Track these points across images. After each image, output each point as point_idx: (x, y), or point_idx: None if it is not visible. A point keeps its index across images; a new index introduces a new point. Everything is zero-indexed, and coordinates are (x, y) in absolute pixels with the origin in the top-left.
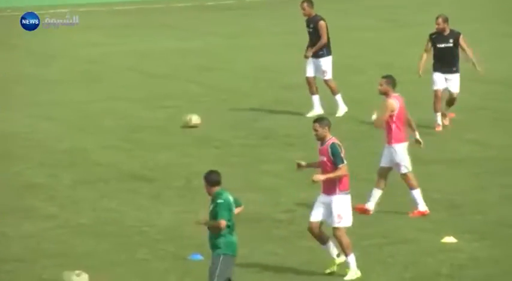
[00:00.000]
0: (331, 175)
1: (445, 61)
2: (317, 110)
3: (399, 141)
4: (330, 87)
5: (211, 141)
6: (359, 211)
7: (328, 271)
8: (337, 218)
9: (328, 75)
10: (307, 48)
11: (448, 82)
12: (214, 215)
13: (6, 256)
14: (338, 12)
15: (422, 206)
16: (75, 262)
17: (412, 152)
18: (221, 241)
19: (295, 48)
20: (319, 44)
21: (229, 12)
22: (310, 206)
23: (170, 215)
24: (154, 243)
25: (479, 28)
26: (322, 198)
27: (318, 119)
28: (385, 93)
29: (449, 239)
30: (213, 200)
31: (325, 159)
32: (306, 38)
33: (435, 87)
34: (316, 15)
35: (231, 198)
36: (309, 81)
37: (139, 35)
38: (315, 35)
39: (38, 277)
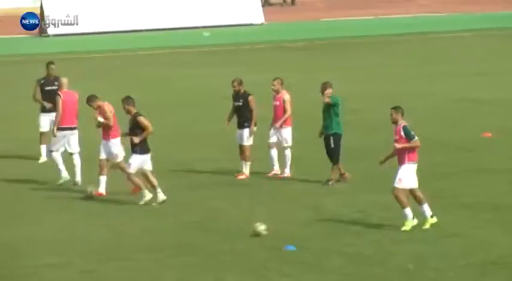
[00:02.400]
0: (407, 145)
1: None
2: None
3: (115, 136)
4: None
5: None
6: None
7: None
8: (397, 180)
9: None
10: None
11: None
12: None
13: (135, 247)
14: None
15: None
16: (189, 251)
17: None
18: None
19: (354, 80)
20: None
21: (301, 52)
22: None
23: (265, 213)
24: (253, 237)
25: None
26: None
27: (395, 107)
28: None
29: None
30: None
31: (397, 138)
32: (362, 73)
33: None
34: None
35: None
36: None
37: (231, 70)
38: None
39: (163, 263)
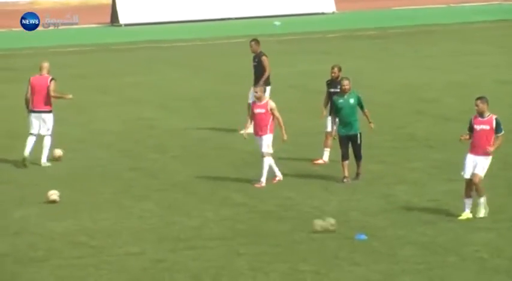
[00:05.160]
0: (497, 145)
1: None
2: None
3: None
4: None
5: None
6: None
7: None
8: (482, 170)
9: None
10: None
11: None
12: None
13: (210, 235)
14: None
15: None
16: (262, 240)
17: None
18: None
19: (427, 69)
20: None
21: (374, 41)
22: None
23: (337, 203)
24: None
25: None
26: (472, 158)
27: (480, 97)
28: None
29: None
30: None
31: (488, 128)
32: (435, 61)
33: None
34: None
35: None
36: None
37: (301, 59)
38: None
39: (236, 251)
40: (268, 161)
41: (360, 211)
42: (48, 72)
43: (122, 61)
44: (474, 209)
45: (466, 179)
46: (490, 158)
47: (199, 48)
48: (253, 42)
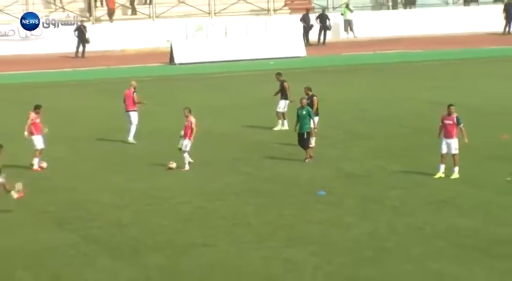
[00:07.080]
0: (465, 135)
1: None
2: None
3: None
4: None
5: (325, 137)
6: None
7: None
8: (455, 150)
9: None
10: None
11: None
12: None
13: (230, 192)
14: None
15: None
16: (261, 195)
17: None
18: None
19: (363, 91)
20: None
21: (330, 74)
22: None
23: (308, 172)
24: (302, 186)
25: None
26: (447, 141)
27: (451, 104)
28: None
29: None
30: None
31: (451, 122)
32: (367, 86)
33: None
34: None
35: None
36: None
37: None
38: None
39: (246, 202)
40: (187, 155)
41: (321, 177)
42: (134, 87)
43: (176, 86)
44: (447, 172)
45: (442, 153)
46: (457, 139)
47: (227, 78)
48: (277, 75)
